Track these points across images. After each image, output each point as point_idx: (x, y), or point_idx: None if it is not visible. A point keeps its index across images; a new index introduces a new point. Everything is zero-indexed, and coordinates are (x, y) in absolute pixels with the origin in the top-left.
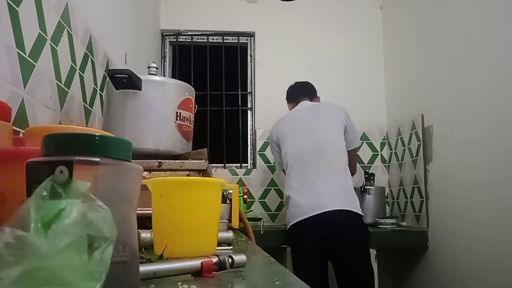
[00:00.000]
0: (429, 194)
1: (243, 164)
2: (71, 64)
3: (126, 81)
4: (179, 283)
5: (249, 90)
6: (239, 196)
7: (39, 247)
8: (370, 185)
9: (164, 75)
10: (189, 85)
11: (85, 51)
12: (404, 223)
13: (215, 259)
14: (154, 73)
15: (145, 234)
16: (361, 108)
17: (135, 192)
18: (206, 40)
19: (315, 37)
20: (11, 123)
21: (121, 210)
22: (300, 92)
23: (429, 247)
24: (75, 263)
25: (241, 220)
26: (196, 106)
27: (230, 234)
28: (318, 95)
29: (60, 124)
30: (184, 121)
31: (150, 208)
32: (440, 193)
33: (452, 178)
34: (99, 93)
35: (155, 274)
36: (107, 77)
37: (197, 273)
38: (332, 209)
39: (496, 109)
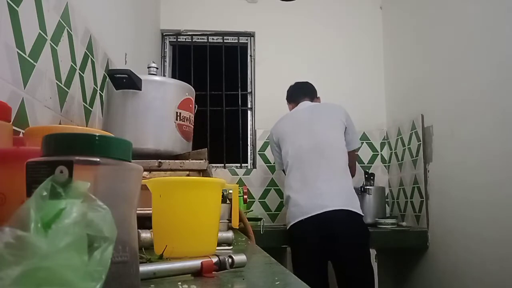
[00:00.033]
0: (429, 194)
1: (243, 164)
2: (71, 64)
3: (126, 81)
4: (179, 283)
5: (249, 90)
6: (239, 196)
7: (39, 247)
8: (370, 185)
9: (164, 75)
10: (189, 85)
11: (85, 51)
12: (404, 223)
13: (215, 259)
14: (154, 73)
15: (145, 234)
16: (361, 108)
17: (135, 192)
18: (206, 40)
19: (315, 37)
20: (11, 123)
21: (121, 210)
22: (300, 92)
23: (429, 247)
24: (75, 263)
25: (241, 220)
26: (196, 106)
27: (230, 234)
28: (318, 95)
29: (60, 124)
30: (184, 121)
31: (150, 208)
32: (440, 193)
33: (452, 178)
34: (99, 93)
35: (155, 274)
36: (107, 77)
37: (197, 273)
38: (332, 209)
39: (496, 109)
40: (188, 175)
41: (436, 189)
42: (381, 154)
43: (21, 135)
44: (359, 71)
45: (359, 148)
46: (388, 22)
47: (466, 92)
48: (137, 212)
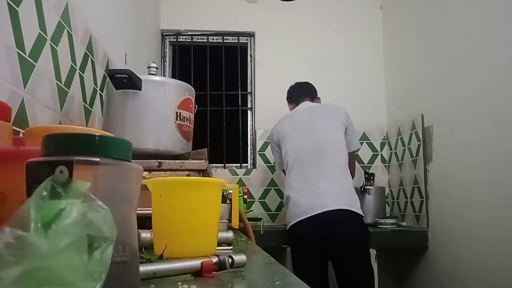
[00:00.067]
0: (429, 194)
1: (243, 164)
2: (71, 64)
3: (126, 81)
4: (179, 283)
5: (249, 90)
6: (239, 196)
7: (39, 247)
8: (370, 185)
9: (164, 75)
10: (189, 85)
11: (85, 51)
12: (404, 223)
13: (215, 259)
14: (154, 73)
15: (145, 234)
16: (361, 108)
17: (135, 192)
18: (206, 40)
19: (315, 37)
20: (11, 123)
21: (121, 210)
22: (301, 92)
23: (429, 247)
24: (75, 263)
25: (241, 220)
26: (196, 106)
27: (230, 234)
28: (318, 96)
29: (60, 124)
30: (184, 121)
31: (150, 208)
32: (440, 193)
33: (452, 178)
34: (99, 93)
35: (155, 274)
36: (107, 77)
37: (197, 273)
38: (332, 208)
39: (496, 109)
40: (188, 175)
41: (436, 189)
42: (381, 154)
43: (21, 135)
44: (359, 71)
45: (358, 149)
46: (388, 22)
47: (466, 92)
48: (137, 212)
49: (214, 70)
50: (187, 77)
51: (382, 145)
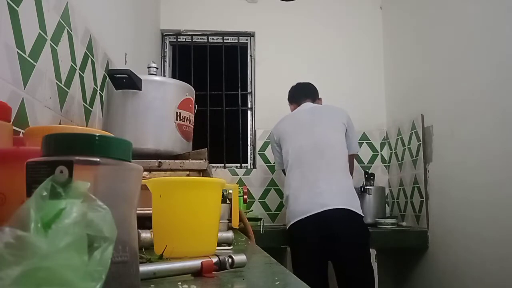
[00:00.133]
0: (429, 194)
1: (243, 164)
2: (71, 64)
3: (126, 81)
4: (179, 283)
5: (249, 90)
6: (239, 196)
7: (39, 247)
8: (370, 185)
9: (164, 75)
10: (189, 85)
11: (85, 51)
12: (404, 223)
13: (215, 259)
14: (154, 73)
15: (145, 234)
16: (361, 108)
17: (135, 192)
18: (206, 40)
19: (315, 37)
20: (11, 123)
21: (121, 210)
22: (302, 93)
23: (429, 247)
24: (75, 263)
25: (241, 220)
26: (196, 106)
27: (230, 234)
28: (320, 97)
29: (60, 124)
30: (184, 121)
31: (150, 208)
32: (440, 193)
33: (452, 178)
34: (99, 93)
35: (155, 274)
36: (107, 77)
37: (197, 273)
38: (332, 207)
39: (496, 109)
40: (188, 175)
41: (436, 189)
42: (381, 154)
43: (21, 135)
44: (359, 71)
45: (357, 152)
46: (388, 22)
47: (466, 92)
48: (137, 212)
49: (214, 70)
50: (187, 77)
51: (382, 145)
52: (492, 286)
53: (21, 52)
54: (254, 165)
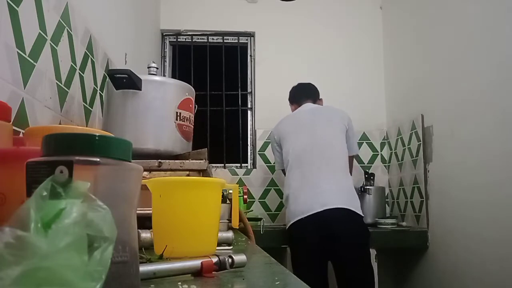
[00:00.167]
0: (429, 194)
1: (243, 164)
2: (71, 64)
3: (126, 81)
4: (179, 283)
5: (249, 90)
6: (239, 196)
7: (39, 247)
8: (370, 185)
9: (164, 75)
10: (189, 85)
11: (85, 51)
12: (404, 223)
13: (215, 259)
14: (154, 73)
15: (145, 234)
16: (361, 108)
17: (135, 192)
18: (206, 40)
19: (315, 37)
20: (11, 123)
21: (121, 210)
22: (303, 93)
23: (429, 247)
24: (75, 263)
25: (241, 220)
26: (196, 106)
27: (230, 234)
28: (320, 97)
29: (60, 124)
30: (184, 121)
31: (150, 208)
32: (440, 193)
33: (452, 178)
34: (99, 93)
35: (155, 274)
36: (107, 77)
37: (197, 273)
38: (332, 207)
39: (496, 109)
40: (188, 175)
41: (436, 189)
42: (381, 154)
43: (21, 135)
44: (359, 71)
45: (356, 154)
46: (388, 22)
47: (466, 92)
48: (137, 212)
49: (214, 70)
50: (187, 77)
51: (382, 145)
52: (492, 286)
53: (21, 52)
54: (254, 165)
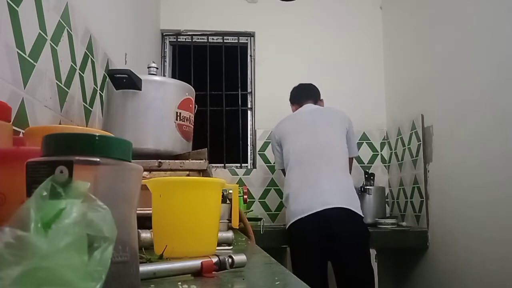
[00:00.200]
0: (429, 194)
1: (243, 164)
2: (71, 64)
3: (126, 81)
4: (179, 283)
5: (249, 90)
6: (239, 196)
7: (39, 247)
8: (370, 185)
9: (164, 75)
10: (189, 85)
11: (85, 51)
12: (404, 223)
13: (215, 259)
14: (154, 73)
15: (145, 234)
16: (361, 108)
17: (135, 192)
18: (206, 40)
19: (315, 37)
20: (11, 123)
21: (121, 210)
22: (304, 94)
23: (429, 247)
24: (75, 263)
25: (241, 220)
26: (196, 106)
27: (230, 234)
28: (321, 98)
29: (60, 124)
30: (184, 121)
31: (150, 208)
32: (440, 193)
33: (452, 178)
34: (99, 93)
35: (155, 274)
36: (107, 77)
37: (197, 273)
38: (333, 206)
39: (496, 109)
40: (188, 175)
41: (436, 189)
42: (381, 154)
43: (21, 135)
44: (359, 71)
45: (356, 156)
46: (388, 22)
47: (466, 92)
48: (137, 212)
49: (214, 70)
50: (187, 77)
51: (382, 145)
52: (492, 286)
53: (21, 52)
54: (254, 165)
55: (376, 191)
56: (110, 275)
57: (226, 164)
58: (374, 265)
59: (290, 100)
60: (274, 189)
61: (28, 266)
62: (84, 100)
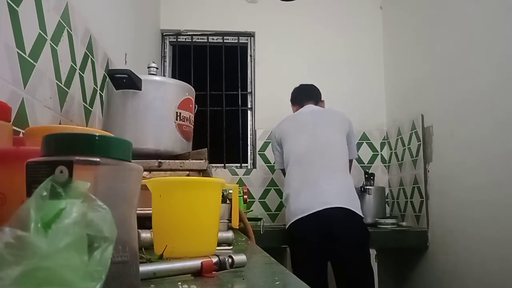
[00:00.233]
0: (429, 194)
1: (243, 164)
2: (71, 64)
3: (126, 81)
4: (179, 283)
5: (249, 90)
6: (239, 196)
7: (39, 247)
8: (370, 185)
9: (164, 75)
10: (189, 85)
11: (85, 51)
12: (404, 223)
13: (215, 259)
14: (154, 73)
15: (145, 234)
16: (361, 108)
17: (135, 192)
18: (206, 40)
19: (315, 37)
20: (11, 123)
21: (121, 210)
22: (305, 95)
23: (429, 247)
24: (75, 263)
25: (241, 220)
26: (196, 106)
27: (230, 234)
28: (322, 99)
29: (60, 124)
30: (184, 121)
31: (150, 208)
32: (440, 193)
33: (452, 178)
34: (99, 93)
35: (155, 274)
36: (107, 77)
37: (197, 273)
38: (333, 206)
39: (496, 109)
40: (188, 175)
41: (436, 189)
42: (381, 154)
43: (21, 135)
44: (359, 71)
45: (355, 158)
46: (388, 22)
47: (466, 92)
48: (137, 212)
49: (214, 70)
50: (187, 77)
51: (382, 145)
52: (492, 286)
53: (21, 52)
54: (254, 165)
55: (376, 191)
56: (110, 275)
57: (226, 164)
58: (374, 265)
59: (291, 100)
60: (274, 189)
61: (28, 266)
62: (84, 100)
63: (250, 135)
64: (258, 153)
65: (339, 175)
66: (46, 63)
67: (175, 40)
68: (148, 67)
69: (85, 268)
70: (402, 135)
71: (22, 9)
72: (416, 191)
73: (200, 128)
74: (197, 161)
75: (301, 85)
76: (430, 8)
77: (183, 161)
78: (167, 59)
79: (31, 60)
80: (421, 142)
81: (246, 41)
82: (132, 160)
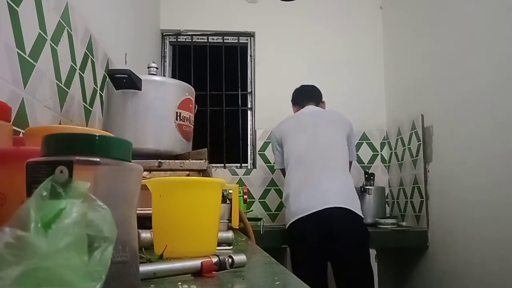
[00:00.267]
0: (429, 194)
1: (243, 164)
2: (71, 64)
3: (126, 81)
4: (179, 283)
5: (249, 90)
6: (239, 196)
7: (39, 247)
8: (370, 185)
9: (164, 75)
10: (189, 85)
11: (85, 51)
12: (404, 223)
13: (215, 259)
14: (154, 73)
15: (145, 234)
16: (361, 108)
17: (135, 192)
18: (206, 40)
19: (315, 37)
20: (11, 123)
21: (121, 210)
22: (306, 96)
23: (429, 247)
24: (75, 263)
25: (241, 220)
26: (196, 106)
27: (230, 234)
28: (323, 100)
29: (60, 124)
30: (184, 121)
31: (150, 208)
32: (440, 193)
33: (452, 178)
34: (99, 93)
35: (155, 274)
36: (107, 77)
37: (197, 273)
38: (333, 205)
39: (496, 109)
40: (188, 175)
41: (436, 189)
42: (381, 154)
43: (21, 135)
44: (359, 71)
45: (354, 160)
46: (388, 22)
47: (466, 92)
48: (137, 212)
49: (214, 70)
50: (187, 77)
51: (382, 145)
52: (492, 286)
53: (21, 52)
54: (254, 165)
55: (376, 191)
56: (110, 275)
57: (226, 164)
58: (374, 265)
59: (292, 101)
60: (274, 189)
61: (28, 266)
62: (84, 100)
63: (250, 135)
64: (258, 153)
65: (339, 175)
66: (46, 63)
67: (175, 40)
68: (148, 67)
69: (85, 268)
70: (402, 135)
71: (22, 9)
72: (416, 191)
73: (200, 128)
74: (197, 161)
75: (302, 86)
76: (430, 8)
77: (183, 161)
78: (167, 59)
79: (31, 60)
80: (421, 142)
81: (246, 41)
82: (132, 160)
